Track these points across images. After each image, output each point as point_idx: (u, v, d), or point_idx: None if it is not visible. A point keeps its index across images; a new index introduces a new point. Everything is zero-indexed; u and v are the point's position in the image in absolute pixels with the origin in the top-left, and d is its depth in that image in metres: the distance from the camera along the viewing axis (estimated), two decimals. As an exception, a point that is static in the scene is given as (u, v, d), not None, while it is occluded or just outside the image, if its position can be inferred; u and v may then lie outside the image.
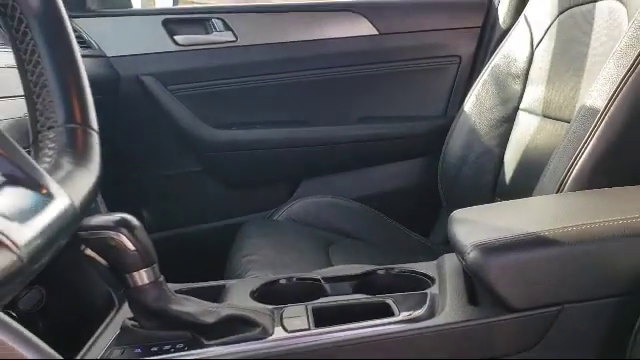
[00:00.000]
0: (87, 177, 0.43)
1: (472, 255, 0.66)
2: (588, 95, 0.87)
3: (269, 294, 0.76)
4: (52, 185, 0.37)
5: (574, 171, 0.84)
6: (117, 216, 0.62)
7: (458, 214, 0.79)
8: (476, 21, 1.49)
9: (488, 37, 1.47)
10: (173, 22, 1.41)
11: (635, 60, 0.82)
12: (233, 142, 1.44)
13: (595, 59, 1.01)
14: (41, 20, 0.45)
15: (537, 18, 1.20)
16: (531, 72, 1.20)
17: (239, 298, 0.75)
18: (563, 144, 0.88)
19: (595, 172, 0.83)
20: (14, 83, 0.78)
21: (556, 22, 1.15)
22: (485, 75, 1.28)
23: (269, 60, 1.44)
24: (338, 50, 1.45)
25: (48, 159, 0.42)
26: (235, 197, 1.50)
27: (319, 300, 0.73)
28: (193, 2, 2.33)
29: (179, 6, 1.78)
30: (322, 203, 1.37)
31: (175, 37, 1.40)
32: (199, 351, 0.63)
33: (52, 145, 0.43)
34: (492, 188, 1.23)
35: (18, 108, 0.78)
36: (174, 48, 1.39)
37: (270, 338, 0.64)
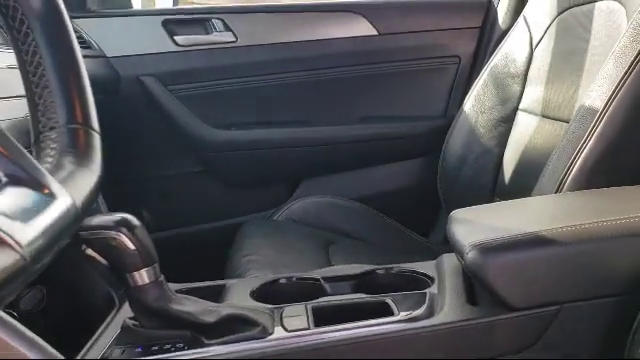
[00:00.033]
0: (88, 177, 0.43)
1: (471, 255, 0.66)
2: (587, 95, 0.87)
3: (269, 294, 0.77)
4: (54, 185, 0.37)
5: (573, 171, 0.84)
6: (117, 216, 0.62)
7: (457, 214, 0.80)
8: (476, 21, 1.49)
9: (487, 37, 1.48)
10: (173, 22, 1.42)
11: (634, 60, 0.82)
12: (233, 142, 1.44)
13: (594, 59, 1.01)
14: (42, 21, 0.46)
15: (536, 18, 1.20)
16: (530, 72, 1.20)
17: (239, 298, 0.75)
18: (562, 144, 0.88)
19: (594, 172, 0.83)
20: (15, 83, 0.78)
21: (555, 22, 1.15)
22: (484, 75, 1.28)
23: (269, 60, 1.44)
24: (338, 50, 1.45)
25: (50, 159, 0.42)
26: (235, 197, 1.50)
27: (319, 300, 0.73)
28: (193, 2, 2.34)
29: (179, 6, 1.79)
30: (322, 203, 1.37)
31: (175, 37, 1.40)
32: (199, 350, 0.63)
33: (54, 145, 0.43)
34: (491, 188, 1.23)
35: (19, 108, 0.79)
36: (174, 48, 1.39)
37: (270, 337, 0.65)
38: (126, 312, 0.70)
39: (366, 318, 0.67)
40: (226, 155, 1.44)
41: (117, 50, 1.37)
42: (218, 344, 0.63)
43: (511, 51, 1.24)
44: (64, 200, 0.37)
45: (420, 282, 0.77)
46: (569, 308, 0.66)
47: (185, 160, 1.45)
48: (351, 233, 1.31)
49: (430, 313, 0.68)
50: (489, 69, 1.28)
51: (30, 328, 0.46)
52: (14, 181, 0.35)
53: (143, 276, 0.63)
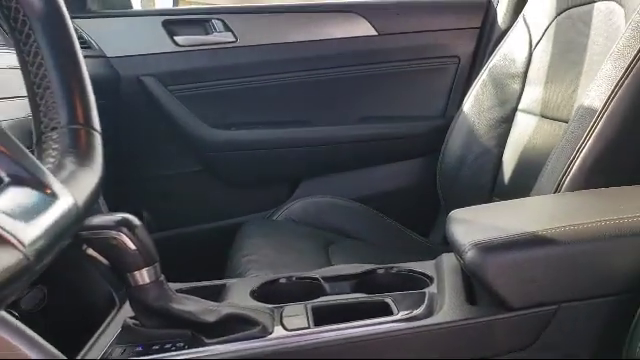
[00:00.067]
0: (90, 177, 0.44)
1: (470, 254, 0.66)
2: (586, 96, 0.88)
3: (269, 293, 0.77)
4: (56, 185, 0.37)
5: (571, 171, 0.84)
6: (118, 216, 0.63)
7: (456, 214, 0.80)
8: (475, 22, 1.49)
9: (487, 38, 1.48)
10: (173, 23, 1.42)
11: (632, 61, 0.83)
12: (233, 142, 1.44)
13: (593, 60, 1.01)
14: (44, 22, 0.46)
15: (535, 19, 1.21)
16: (529, 73, 1.20)
17: (239, 297, 0.75)
18: (561, 144, 0.89)
19: (592, 172, 0.83)
20: (16, 84, 0.79)
21: (554, 23, 1.15)
22: (484, 75, 1.29)
23: (269, 60, 1.44)
24: (337, 51, 1.45)
25: (52, 159, 0.43)
26: (235, 197, 1.50)
27: (319, 299, 0.73)
28: (193, 3, 2.34)
29: (179, 7, 1.79)
30: (322, 203, 1.37)
31: (175, 38, 1.40)
32: (200, 349, 0.63)
33: (55, 146, 0.44)
34: (491, 188, 1.24)
35: (20, 109, 0.79)
36: (174, 49, 1.40)
37: (270, 337, 0.65)
38: (127, 311, 0.70)
39: (365, 317, 0.67)
40: (226, 155, 1.44)
41: (117, 50, 1.37)
42: (218, 343, 0.64)
43: (510, 51, 1.25)
44: (66, 200, 0.37)
45: (419, 282, 0.77)
46: (567, 308, 0.67)
47: (185, 160, 1.46)
48: (351, 233, 1.32)
49: (429, 312, 0.68)
50: (488, 69, 1.28)
51: (31, 328, 0.46)
52: (16, 181, 0.35)
53: (144, 275, 0.63)
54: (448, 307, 0.68)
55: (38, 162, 0.38)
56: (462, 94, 1.41)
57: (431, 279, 0.77)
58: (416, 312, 0.67)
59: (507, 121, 1.23)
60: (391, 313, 0.68)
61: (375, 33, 1.46)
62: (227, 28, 1.42)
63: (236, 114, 1.45)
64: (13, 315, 0.55)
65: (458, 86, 1.49)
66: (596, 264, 0.67)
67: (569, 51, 1.09)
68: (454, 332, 0.66)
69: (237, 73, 1.43)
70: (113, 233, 0.61)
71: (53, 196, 0.37)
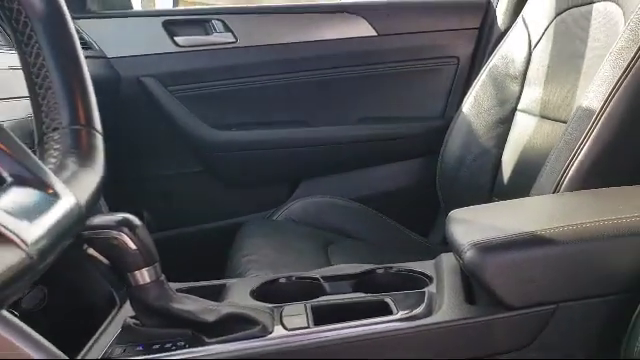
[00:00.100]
0: (92, 177, 0.44)
1: (469, 254, 0.67)
2: (584, 96, 0.88)
3: (269, 293, 0.77)
4: (58, 185, 0.38)
5: (570, 171, 0.85)
6: (119, 216, 0.63)
7: (456, 214, 0.80)
8: (474, 22, 1.50)
9: (486, 38, 1.48)
10: (173, 23, 1.42)
11: (631, 62, 0.83)
12: (233, 142, 1.44)
13: (592, 60, 1.02)
14: (45, 23, 0.46)
15: (535, 19, 1.21)
16: (529, 73, 1.20)
17: (239, 297, 0.76)
18: (560, 145, 0.89)
19: (591, 173, 0.84)
20: (17, 84, 0.79)
21: (553, 23, 1.16)
22: (483, 76, 1.29)
23: (269, 61, 1.44)
24: (337, 51, 1.46)
25: (53, 160, 0.43)
26: (235, 197, 1.50)
27: (318, 299, 0.73)
28: (193, 3, 2.34)
29: (179, 7, 1.79)
30: (321, 203, 1.38)
31: (175, 38, 1.40)
32: (200, 349, 0.63)
33: (57, 146, 0.44)
34: (490, 188, 1.24)
35: (21, 109, 0.79)
36: (174, 49, 1.40)
37: (270, 336, 0.65)
38: (127, 311, 0.70)
39: (365, 317, 0.67)
40: (226, 155, 1.44)
41: (117, 51, 1.37)
42: (218, 343, 0.64)
43: (510, 52, 1.25)
44: (68, 200, 0.38)
45: (419, 281, 0.78)
46: (565, 307, 0.67)
47: (185, 160, 1.46)
48: (351, 233, 1.32)
49: (428, 312, 0.68)
50: (488, 70, 1.28)
51: (31, 327, 0.47)
52: (19, 181, 0.35)
53: (144, 275, 0.64)
54: (447, 307, 0.69)
55: (40, 162, 0.38)
56: (461, 94, 1.41)
57: (430, 279, 0.77)
58: (415, 312, 0.68)
59: (506, 121, 1.23)
60: (390, 313, 0.68)
61: (375, 34, 1.46)
62: (227, 29, 1.43)
63: (236, 114, 1.45)
64: (14, 315, 0.55)
65: (457, 86, 1.50)
66: (594, 264, 0.67)
67: (568, 52, 1.09)
68: (453, 331, 0.67)
69: (237, 73, 1.43)
70: (114, 233, 0.62)
71: (55, 196, 0.37)
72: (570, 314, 0.67)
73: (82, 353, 0.64)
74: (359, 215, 1.38)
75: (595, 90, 0.86)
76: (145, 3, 1.97)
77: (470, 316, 0.67)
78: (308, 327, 0.66)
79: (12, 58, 0.88)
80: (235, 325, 0.66)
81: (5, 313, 0.45)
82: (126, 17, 1.47)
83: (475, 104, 1.28)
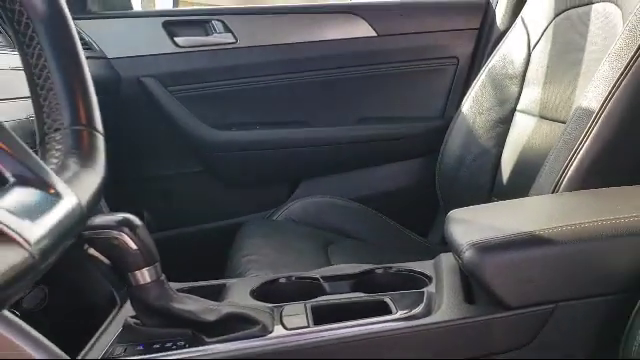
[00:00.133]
0: (93, 178, 0.44)
1: (468, 254, 0.67)
2: (583, 97, 0.88)
3: (269, 293, 0.77)
4: (60, 185, 0.38)
5: (569, 171, 0.85)
6: (119, 216, 0.63)
7: (455, 214, 0.80)
8: (474, 23, 1.50)
9: (486, 39, 1.49)
10: (173, 24, 1.42)
11: (629, 62, 0.83)
12: (233, 143, 1.45)
13: (591, 61, 1.02)
14: (47, 25, 0.47)
15: (534, 20, 1.21)
16: (528, 73, 1.21)
17: (239, 297, 0.76)
18: (559, 145, 0.89)
19: (590, 172, 0.84)
20: (17, 85, 0.79)
21: (552, 24, 1.16)
22: (482, 76, 1.29)
23: (268, 61, 1.45)
24: (337, 52, 1.46)
25: (55, 160, 0.43)
26: (235, 197, 1.51)
27: (318, 299, 0.74)
28: (193, 4, 2.34)
29: (179, 8, 1.79)
30: (321, 203, 1.38)
31: (175, 39, 1.41)
32: (200, 348, 0.64)
33: (59, 147, 0.44)
34: (489, 188, 1.24)
35: (21, 110, 0.79)
36: (174, 50, 1.40)
37: (270, 336, 0.65)
38: (128, 311, 0.71)
39: (365, 317, 0.68)
40: (226, 155, 1.45)
41: (118, 51, 1.37)
42: (219, 342, 0.64)
43: (509, 52, 1.25)
44: (70, 200, 0.38)
45: (418, 281, 0.78)
46: (564, 307, 0.67)
47: (185, 160, 1.46)
48: (350, 233, 1.32)
49: (428, 312, 0.68)
50: (487, 70, 1.28)
51: (32, 327, 0.47)
52: (21, 181, 0.36)
53: (145, 275, 0.64)
54: (446, 306, 0.69)
55: (42, 163, 0.38)
56: (461, 95, 1.41)
57: (430, 279, 0.77)
58: (415, 311, 0.68)
59: (506, 122, 1.23)
60: (390, 312, 0.68)
61: (374, 34, 1.46)
62: (227, 29, 1.43)
63: (236, 114, 1.45)
64: (15, 314, 0.55)
65: (457, 87, 1.50)
66: (593, 264, 0.68)
67: (567, 52, 1.09)
68: (452, 331, 0.67)
69: (237, 74, 1.43)
70: (115, 233, 0.62)
71: (57, 196, 0.37)
72: (569, 314, 0.68)
73: (83, 353, 0.65)
74: (359, 215, 1.38)
75: (594, 90, 0.86)
76: (145, 4, 1.97)
77: (469, 316, 0.67)
78: (308, 327, 0.67)
79: (13, 59, 0.89)
80: (235, 325, 0.66)
81: (7, 313, 0.46)
82: (126, 17, 1.47)
83: (475, 104, 1.28)
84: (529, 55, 1.21)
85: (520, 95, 1.22)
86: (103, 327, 0.69)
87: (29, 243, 0.32)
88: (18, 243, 0.31)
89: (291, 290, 0.78)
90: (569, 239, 0.67)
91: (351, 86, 1.48)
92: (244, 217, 1.43)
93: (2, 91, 0.83)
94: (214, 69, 1.42)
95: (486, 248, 0.67)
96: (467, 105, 1.30)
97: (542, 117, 1.13)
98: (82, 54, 0.49)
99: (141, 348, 0.65)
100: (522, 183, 1.02)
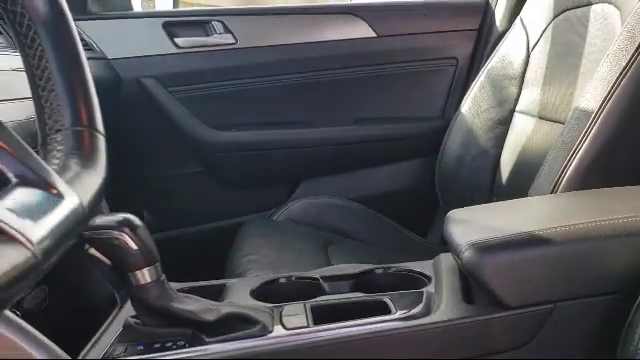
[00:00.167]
0: (94, 178, 0.44)
1: (467, 254, 0.67)
2: (582, 97, 0.88)
3: (269, 293, 0.78)
4: (62, 185, 0.38)
5: (568, 172, 0.85)
6: (120, 216, 0.64)
7: (454, 214, 0.81)
8: (473, 23, 1.50)
9: (485, 39, 1.49)
10: (173, 25, 1.43)
11: (627, 63, 0.83)
12: (233, 143, 1.45)
13: (590, 61, 1.02)
14: (49, 26, 0.47)
15: (533, 21, 1.22)
16: (527, 74, 1.21)
17: (239, 296, 0.76)
18: (558, 145, 0.90)
19: (589, 173, 0.84)
20: (19, 86, 0.80)
21: (551, 25, 1.16)
22: (482, 77, 1.29)
23: (268, 62, 1.45)
24: (337, 52, 1.46)
25: (56, 161, 0.43)
26: (235, 197, 1.51)
27: (318, 299, 0.74)
28: (193, 4, 2.35)
29: (179, 9, 1.80)
30: (321, 203, 1.38)
31: (175, 39, 1.41)
32: (200, 348, 0.64)
33: (60, 147, 0.45)
34: (489, 189, 1.25)
35: (22, 111, 0.80)
36: (174, 50, 1.40)
37: (270, 335, 0.66)
38: (128, 311, 0.71)
39: (364, 316, 0.68)
40: (226, 156, 1.45)
41: (118, 52, 1.37)
42: (219, 342, 0.64)
43: (508, 53, 1.25)
44: (72, 200, 0.38)
45: (417, 281, 0.78)
46: (563, 307, 0.68)
47: (185, 161, 1.46)
48: (350, 233, 1.32)
49: (427, 311, 0.69)
50: (486, 71, 1.29)
51: (33, 327, 0.47)
52: (24, 181, 0.36)
53: (145, 275, 0.64)
54: (445, 306, 0.69)
55: (44, 163, 0.39)
56: (460, 95, 1.42)
57: (429, 279, 0.77)
58: (414, 311, 0.68)
59: (505, 122, 1.24)
60: (389, 312, 0.69)
61: (374, 35, 1.46)
62: (227, 30, 1.43)
63: (236, 115, 1.46)
64: (15, 314, 0.56)
65: (456, 87, 1.50)
66: (591, 263, 0.68)
67: (566, 53, 1.10)
68: (451, 331, 0.67)
69: (237, 74, 1.43)
70: (115, 233, 0.62)
71: (59, 196, 0.37)
72: (567, 313, 0.68)
73: (83, 352, 0.65)
74: (358, 215, 1.38)
75: (593, 91, 0.87)
76: (145, 4, 1.98)
77: (468, 315, 0.68)
78: (307, 327, 0.67)
79: (14, 60, 0.89)
80: (235, 324, 0.66)
81: (8, 313, 0.46)
82: (126, 18, 1.47)
83: (474, 105, 1.29)
84: (528, 56, 1.21)
85: (519, 96, 1.22)
86: (104, 327, 0.70)
87: (32, 243, 0.32)
88: (21, 243, 0.32)
89: (291, 290, 0.79)
90: (568, 239, 0.67)
91: (350, 87, 1.49)
92: (244, 217, 1.43)
93: (3, 92, 0.83)
94: (214, 70, 1.42)
95: (485, 248, 0.67)
96: (466, 106, 1.30)
97: (541, 118, 1.13)
98: (83, 55, 0.50)
99: (141, 348, 0.65)
100: (521, 183, 1.02)
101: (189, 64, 1.41)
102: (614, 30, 0.96)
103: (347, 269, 0.83)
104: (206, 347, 0.64)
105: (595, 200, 0.81)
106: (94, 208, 0.42)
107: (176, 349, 0.64)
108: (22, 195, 0.35)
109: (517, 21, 1.27)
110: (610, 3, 0.99)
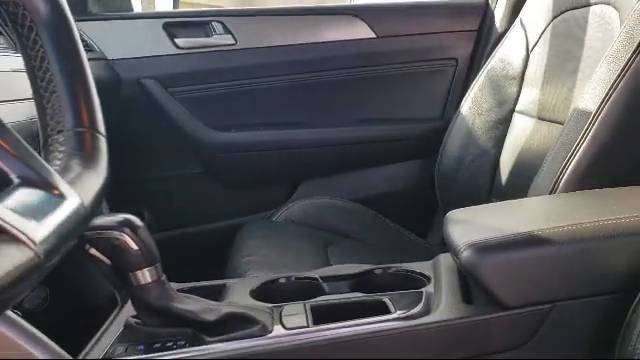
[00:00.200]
0: (96, 179, 0.45)
1: (466, 254, 0.67)
2: (581, 98, 0.89)
3: (268, 293, 0.78)
4: (64, 186, 0.39)
5: (567, 172, 0.85)
6: (120, 217, 0.64)
7: (453, 214, 0.81)
8: (473, 24, 1.51)
9: (484, 40, 1.49)
10: (174, 25, 1.43)
11: (626, 64, 0.84)
12: (233, 144, 1.45)
13: (588, 62, 1.02)
14: (50, 28, 0.47)
15: (532, 21, 1.22)
16: (527, 75, 1.21)
17: (239, 297, 0.76)
18: (556, 146, 0.90)
19: (587, 173, 0.85)
20: (19, 87, 0.80)
21: (551, 25, 1.16)
22: (481, 77, 1.30)
23: (268, 63, 1.45)
24: (336, 53, 1.46)
25: (58, 162, 0.44)
26: (235, 198, 1.51)
27: (317, 299, 0.74)
28: (193, 5, 2.35)
29: (180, 9, 1.80)
30: (321, 204, 1.38)
31: (176, 40, 1.41)
32: (200, 348, 0.64)
33: (62, 148, 0.45)
34: (488, 189, 1.25)
35: (22, 112, 0.80)
36: (175, 51, 1.41)
37: (269, 335, 0.66)
38: (128, 311, 0.71)
39: (363, 316, 0.68)
40: (226, 156, 1.45)
41: (118, 53, 1.38)
42: (219, 342, 0.65)
43: (508, 54, 1.26)
44: (73, 200, 0.39)
45: (417, 281, 0.78)
46: (561, 306, 0.68)
47: (185, 161, 1.47)
48: (350, 234, 1.33)
49: (426, 311, 0.69)
50: (486, 71, 1.29)
51: (34, 327, 0.48)
52: (26, 182, 0.36)
53: (145, 275, 0.65)
54: (444, 306, 0.69)
55: (46, 164, 0.39)
56: (460, 96, 1.42)
57: (428, 279, 0.78)
58: (413, 311, 0.68)
59: (504, 123, 1.24)
60: (388, 312, 0.69)
61: (374, 36, 1.47)
62: (227, 31, 1.43)
63: (236, 116, 1.46)
64: (16, 314, 0.56)
65: (456, 88, 1.51)
66: (590, 264, 0.68)
67: (565, 53, 1.10)
68: (450, 330, 0.67)
69: (237, 75, 1.44)
70: (116, 233, 0.62)
71: (61, 197, 0.38)
72: (566, 313, 0.68)
73: (84, 352, 0.65)
74: (358, 216, 1.39)
75: (591, 92, 0.87)
76: (145, 5, 1.98)
77: (467, 315, 0.68)
78: (307, 326, 0.67)
79: (15, 61, 0.89)
80: (235, 324, 0.66)
81: (9, 313, 0.46)
82: (126, 19, 1.48)
83: (473, 105, 1.29)
84: (527, 56, 1.21)
85: (519, 96, 1.22)
86: (104, 327, 0.70)
87: (34, 243, 0.32)
88: (23, 243, 0.32)
89: (290, 290, 0.79)
90: (566, 239, 0.67)
91: (350, 87, 1.49)
92: (244, 218, 1.44)
93: (4, 93, 0.83)
94: (214, 70, 1.43)
95: (484, 248, 0.67)
96: (466, 106, 1.31)
97: (540, 118, 1.13)
98: (84, 57, 0.50)
99: (142, 348, 0.65)
100: (520, 184, 1.02)
101: (189, 65, 1.42)
102: (613, 31, 0.97)
103: (347, 269, 0.83)
104: (206, 347, 0.64)
105: (594, 200, 0.81)
106: (95, 208, 0.43)
107: (176, 349, 0.64)
108: (24, 195, 0.35)
109: (516, 22, 1.27)
110: (609, 4, 1.00)
